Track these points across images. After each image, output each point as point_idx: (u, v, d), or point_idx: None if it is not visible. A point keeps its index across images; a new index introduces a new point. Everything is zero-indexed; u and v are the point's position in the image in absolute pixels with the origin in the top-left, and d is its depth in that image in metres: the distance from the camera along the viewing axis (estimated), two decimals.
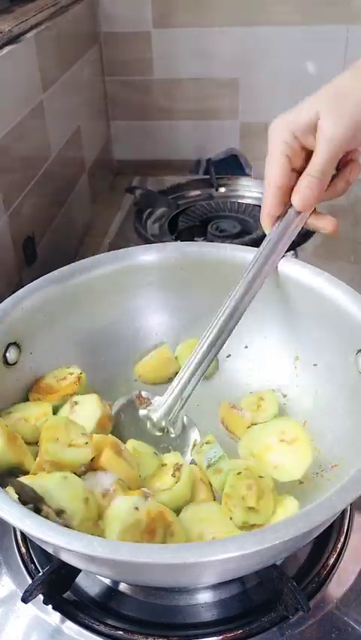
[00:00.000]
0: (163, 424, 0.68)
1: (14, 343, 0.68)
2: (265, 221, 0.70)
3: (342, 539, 0.64)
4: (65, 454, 0.58)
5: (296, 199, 0.67)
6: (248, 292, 0.68)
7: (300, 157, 0.67)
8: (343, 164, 0.68)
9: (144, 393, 0.72)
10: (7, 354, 0.67)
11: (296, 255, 1.11)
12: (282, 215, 0.69)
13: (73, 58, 1.16)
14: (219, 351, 0.68)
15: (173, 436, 0.69)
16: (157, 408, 0.69)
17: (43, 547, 0.57)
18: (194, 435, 0.70)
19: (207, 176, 1.36)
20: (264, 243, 0.70)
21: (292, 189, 0.67)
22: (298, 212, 0.68)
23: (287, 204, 0.68)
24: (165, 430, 0.68)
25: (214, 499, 0.62)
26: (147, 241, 1.14)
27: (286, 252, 1.10)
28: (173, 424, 0.68)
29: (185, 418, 0.70)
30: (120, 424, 0.70)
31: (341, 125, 0.62)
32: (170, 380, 0.77)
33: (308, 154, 0.66)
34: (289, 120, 0.66)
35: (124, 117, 1.42)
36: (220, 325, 0.67)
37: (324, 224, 0.70)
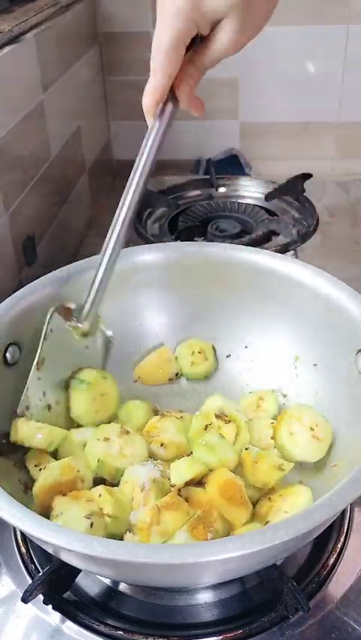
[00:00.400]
0: (88, 326, 0.70)
1: (14, 343, 0.68)
2: (151, 109, 0.69)
3: (342, 539, 0.64)
4: None
5: (184, 93, 0.67)
6: (136, 187, 0.70)
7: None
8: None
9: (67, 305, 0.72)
10: (7, 354, 0.67)
11: (296, 255, 1.11)
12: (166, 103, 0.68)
13: (73, 58, 1.16)
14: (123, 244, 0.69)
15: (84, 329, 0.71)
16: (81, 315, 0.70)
17: (44, 547, 0.57)
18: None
19: (207, 176, 1.36)
20: (151, 135, 0.71)
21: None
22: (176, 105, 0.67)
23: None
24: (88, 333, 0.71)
25: None
26: (147, 241, 1.14)
27: (287, 251, 1.11)
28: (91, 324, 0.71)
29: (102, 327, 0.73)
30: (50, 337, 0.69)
31: (245, 33, 0.62)
32: (170, 381, 0.78)
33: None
34: (198, 5, 0.60)
35: (124, 117, 1.42)
36: (120, 221, 0.69)
37: (196, 106, 0.69)
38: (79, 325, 0.70)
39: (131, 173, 0.68)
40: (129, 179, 0.67)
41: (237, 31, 0.62)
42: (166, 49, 0.64)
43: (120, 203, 0.68)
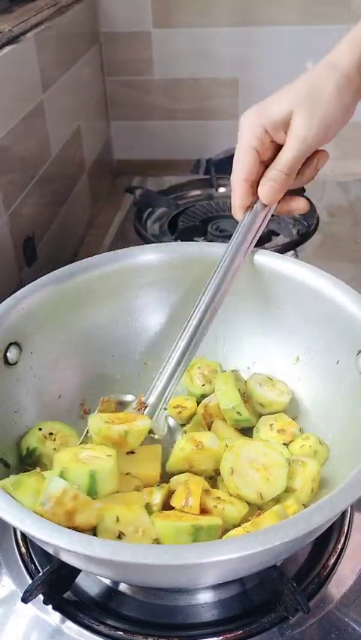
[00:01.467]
0: (161, 429, 0.68)
1: (15, 343, 0.68)
2: (237, 213, 0.71)
3: (342, 540, 0.64)
4: None
5: (262, 193, 0.68)
6: (222, 286, 0.69)
7: (269, 150, 0.68)
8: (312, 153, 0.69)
9: (144, 399, 0.70)
10: (8, 354, 0.67)
11: (296, 255, 1.11)
12: (251, 206, 0.70)
13: (73, 58, 1.16)
14: (197, 348, 0.68)
15: (156, 437, 0.68)
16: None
17: (44, 547, 0.57)
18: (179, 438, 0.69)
19: (207, 176, 1.36)
20: (235, 235, 0.71)
21: (260, 180, 0.68)
22: (265, 205, 0.69)
23: (255, 195, 0.69)
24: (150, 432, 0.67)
25: None
26: (147, 241, 1.14)
27: (287, 251, 1.11)
28: (156, 427, 0.68)
29: (169, 419, 0.70)
30: None
31: (314, 126, 0.64)
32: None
33: (277, 147, 0.67)
34: (262, 114, 0.66)
35: (124, 117, 1.42)
36: (196, 322, 0.68)
37: (296, 205, 0.72)
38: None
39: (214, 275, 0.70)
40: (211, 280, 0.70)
41: (305, 127, 0.64)
42: (237, 155, 0.68)
43: (203, 297, 0.70)
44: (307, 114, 0.64)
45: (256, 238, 0.71)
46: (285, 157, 0.66)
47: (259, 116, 0.66)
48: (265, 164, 0.68)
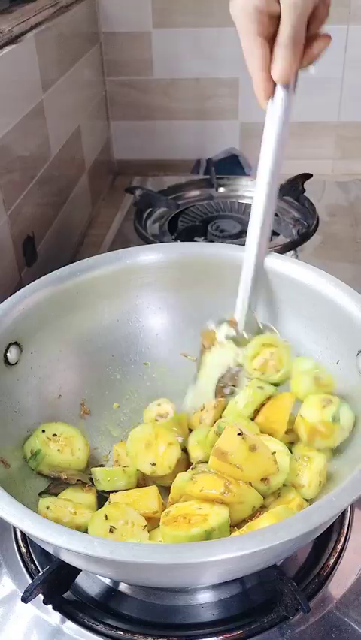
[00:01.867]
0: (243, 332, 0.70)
1: (15, 343, 0.68)
2: (263, 103, 0.68)
3: (342, 540, 0.64)
4: None
5: (276, 74, 0.64)
6: (275, 172, 0.67)
7: (271, 25, 0.63)
8: (312, 37, 0.65)
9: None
10: (8, 354, 0.67)
11: (296, 255, 1.11)
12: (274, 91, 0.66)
13: (73, 58, 1.16)
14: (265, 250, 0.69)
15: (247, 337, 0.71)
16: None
17: (44, 547, 0.57)
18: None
19: (207, 176, 1.36)
20: (275, 122, 0.67)
21: None
22: (285, 86, 0.66)
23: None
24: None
25: None
26: (147, 241, 1.14)
27: (287, 251, 1.11)
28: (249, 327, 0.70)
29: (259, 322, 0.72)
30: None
31: None
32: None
33: (278, 18, 0.62)
34: None
35: (124, 117, 1.42)
36: (258, 222, 0.69)
37: (319, 48, 0.66)
38: (244, 335, 0.69)
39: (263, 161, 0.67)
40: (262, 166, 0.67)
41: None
42: (245, 47, 0.64)
43: (258, 194, 0.68)
44: None
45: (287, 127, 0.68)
46: (284, 30, 0.61)
47: None
48: (273, 40, 0.64)
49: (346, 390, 0.67)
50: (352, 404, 0.65)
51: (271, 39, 0.63)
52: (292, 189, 1.26)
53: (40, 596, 0.59)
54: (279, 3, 0.60)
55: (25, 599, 0.57)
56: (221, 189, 1.34)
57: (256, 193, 0.68)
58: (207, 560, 0.45)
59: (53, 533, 0.47)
